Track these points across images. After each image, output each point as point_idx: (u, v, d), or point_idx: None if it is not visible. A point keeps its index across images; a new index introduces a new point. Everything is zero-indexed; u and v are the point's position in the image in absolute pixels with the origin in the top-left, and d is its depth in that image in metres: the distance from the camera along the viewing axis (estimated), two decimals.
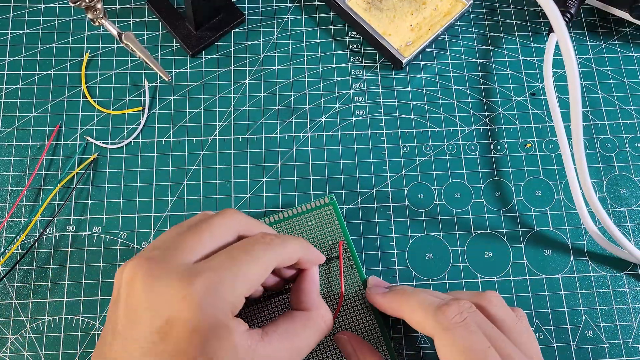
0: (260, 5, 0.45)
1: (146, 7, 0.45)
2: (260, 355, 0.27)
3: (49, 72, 0.42)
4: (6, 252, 0.37)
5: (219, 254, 0.28)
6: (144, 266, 0.27)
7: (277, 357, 0.28)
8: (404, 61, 0.42)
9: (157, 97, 0.42)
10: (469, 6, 0.44)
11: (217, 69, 0.43)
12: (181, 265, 0.27)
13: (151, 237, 0.38)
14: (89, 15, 0.36)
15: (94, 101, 0.42)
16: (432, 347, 0.36)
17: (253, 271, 0.28)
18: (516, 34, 0.45)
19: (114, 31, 0.36)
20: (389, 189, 0.40)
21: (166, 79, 0.38)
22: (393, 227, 0.39)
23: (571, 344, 0.36)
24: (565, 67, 0.35)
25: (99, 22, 0.36)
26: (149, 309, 0.26)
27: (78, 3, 0.35)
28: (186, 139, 0.41)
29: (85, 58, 0.43)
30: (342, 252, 0.37)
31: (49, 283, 0.37)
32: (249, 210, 0.39)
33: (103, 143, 0.41)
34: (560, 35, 0.34)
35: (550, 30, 0.42)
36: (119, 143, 0.41)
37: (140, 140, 0.41)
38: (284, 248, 0.30)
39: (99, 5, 0.36)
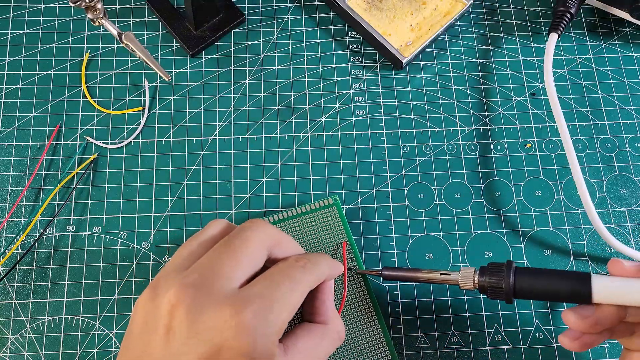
0: (260, 5, 0.45)
1: (146, 7, 0.45)
2: None
3: (49, 72, 0.42)
4: (6, 252, 0.37)
5: (262, 278, 0.28)
6: (189, 294, 0.26)
7: None
8: (404, 61, 0.42)
9: (157, 97, 0.42)
10: (469, 6, 0.44)
11: (217, 69, 0.43)
12: (227, 291, 0.27)
13: (151, 237, 0.38)
14: (89, 15, 0.36)
15: (94, 101, 0.42)
16: (432, 347, 0.36)
17: (295, 296, 0.28)
18: (516, 34, 0.45)
19: (114, 31, 0.36)
20: (389, 189, 0.40)
21: (166, 79, 0.38)
22: (393, 227, 0.39)
23: None
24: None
25: (99, 22, 0.36)
26: (197, 338, 0.26)
27: (78, 3, 0.35)
28: (186, 139, 0.41)
29: (85, 58, 0.43)
30: (346, 254, 0.37)
31: (49, 283, 0.37)
32: (249, 211, 0.39)
33: (103, 143, 0.41)
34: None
35: (550, 30, 0.42)
36: (119, 143, 0.41)
37: (140, 140, 0.41)
38: (317, 270, 0.31)
39: (99, 5, 0.36)
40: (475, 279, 0.31)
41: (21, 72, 0.42)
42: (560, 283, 0.29)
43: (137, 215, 0.39)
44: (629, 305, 0.28)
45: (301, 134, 0.41)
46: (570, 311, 0.29)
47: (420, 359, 0.36)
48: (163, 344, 0.26)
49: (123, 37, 0.36)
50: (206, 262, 0.28)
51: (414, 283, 0.37)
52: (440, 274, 0.33)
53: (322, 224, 0.38)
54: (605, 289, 0.28)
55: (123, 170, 0.40)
